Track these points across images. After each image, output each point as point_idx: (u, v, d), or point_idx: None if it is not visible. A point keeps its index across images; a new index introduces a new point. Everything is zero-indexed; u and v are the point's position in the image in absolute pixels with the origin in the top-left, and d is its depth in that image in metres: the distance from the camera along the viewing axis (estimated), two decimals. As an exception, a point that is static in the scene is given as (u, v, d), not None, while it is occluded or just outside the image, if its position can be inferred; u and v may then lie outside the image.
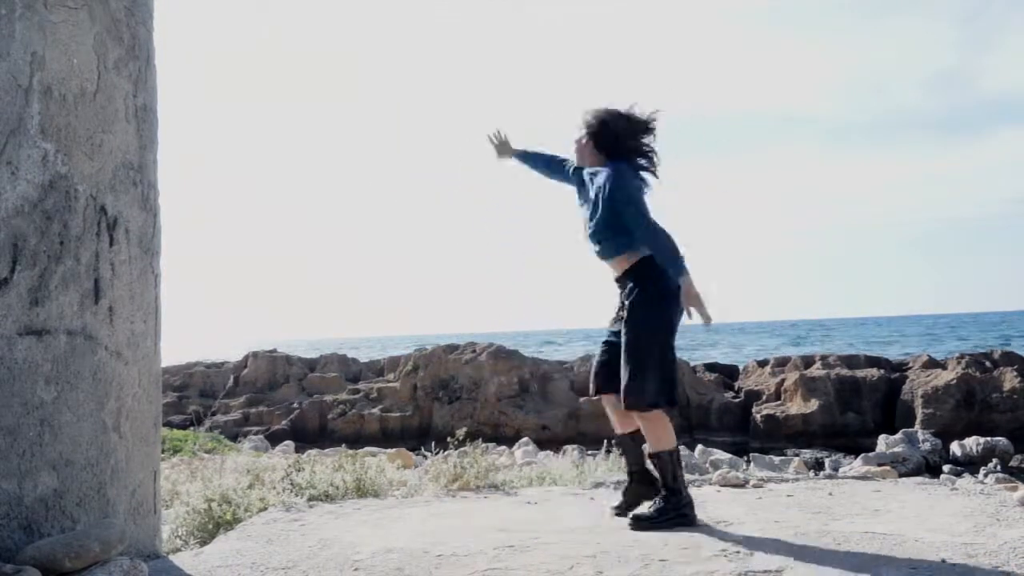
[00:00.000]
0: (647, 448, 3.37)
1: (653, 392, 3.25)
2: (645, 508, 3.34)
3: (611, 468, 5.19)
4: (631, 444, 3.50)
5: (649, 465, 3.45)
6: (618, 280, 3.42)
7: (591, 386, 3.56)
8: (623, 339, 3.31)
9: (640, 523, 3.23)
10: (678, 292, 3.19)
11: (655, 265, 3.27)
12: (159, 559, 2.89)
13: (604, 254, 3.42)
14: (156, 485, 3.03)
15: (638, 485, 3.49)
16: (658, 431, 3.30)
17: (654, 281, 3.29)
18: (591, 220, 3.40)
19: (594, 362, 3.56)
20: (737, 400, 19.16)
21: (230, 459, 6.70)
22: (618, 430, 3.55)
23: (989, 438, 14.56)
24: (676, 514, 3.24)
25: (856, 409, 17.47)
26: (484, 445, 5.05)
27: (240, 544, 3.11)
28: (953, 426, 15.82)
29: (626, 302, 3.33)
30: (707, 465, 10.97)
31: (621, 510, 3.43)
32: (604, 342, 3.50)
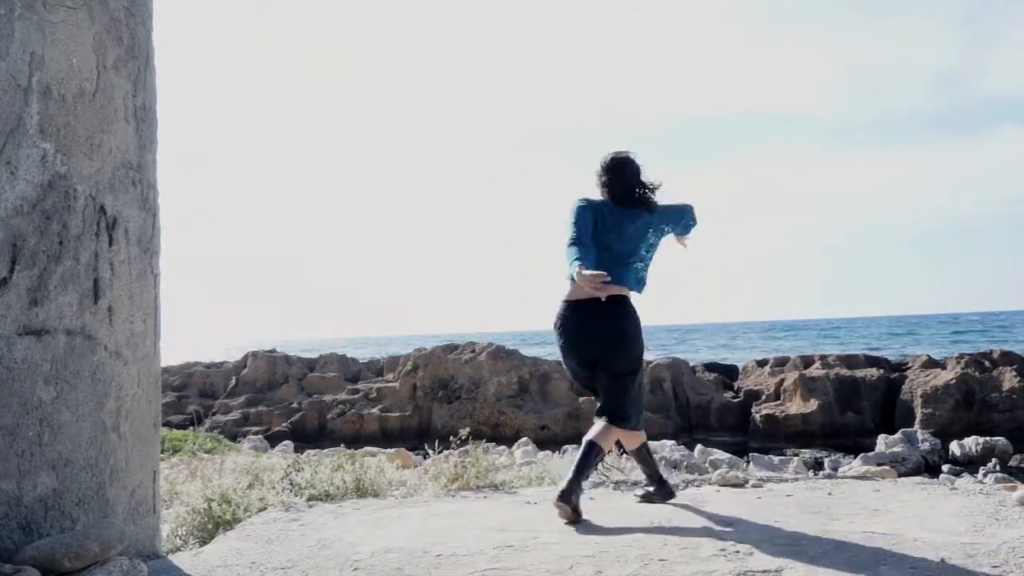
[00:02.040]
0: None
1: None
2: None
3: (611, 468, 5.19)
4: None
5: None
6: None
7: None
8: None
9: None
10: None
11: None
12: (158, 559, 2.88)
13: None
14: (155, 485, 3.03)
15: None
16: None
17: None
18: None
19: None
20: (736, 400, 19.17)
21: (229, 459, 6.70)
22: None
23: (988, 438, 14.57)
24: None
25: (855, 409, 17.48)
26: (484, 445, 5.05)
27: (239, 544, 3.11)
28: (952, 426, 15.83)
29: None
30: (706, 465, 10.97)
31: None
32: None
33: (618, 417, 3.59)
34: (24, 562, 2.16)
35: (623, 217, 3.62)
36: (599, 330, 3.55)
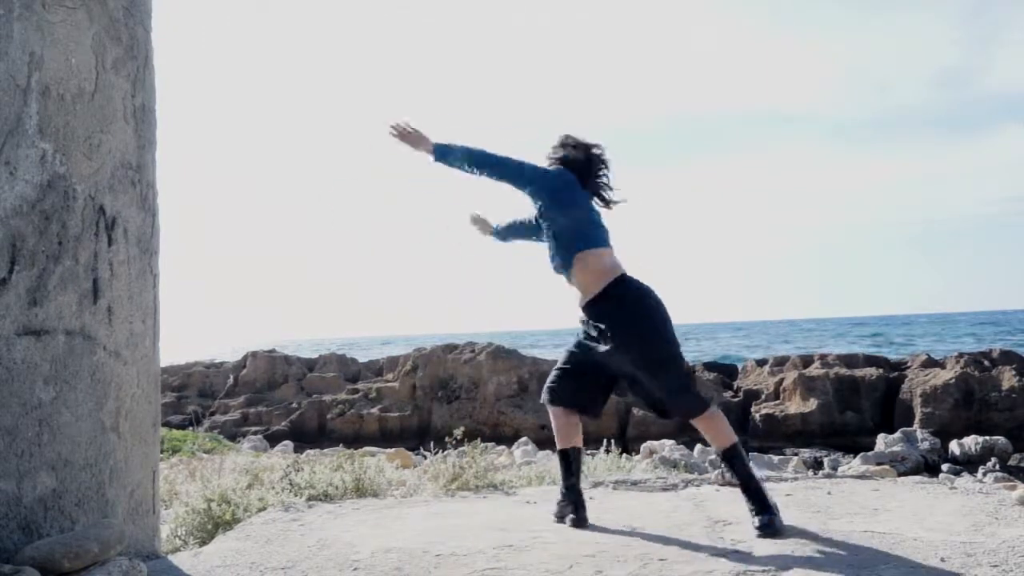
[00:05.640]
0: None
1: None
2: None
3: (610, 467, 5.19)
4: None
5: None
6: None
7: None
8: None
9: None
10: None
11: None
12: (158, 559, 2.88)
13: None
14: (155, 485, 3.03)
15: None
16: None
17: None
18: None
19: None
20: (736, 399, 19.16)
21: (229, 459, 6.70)
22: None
23: (988, 437, 14.55)
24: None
25: (855, 408, 17.47)
26: (483, 445, 5.05)
27: (239, 544, 3.11)
28: (952, 425, 15.82)
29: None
30: (706, 464, 10.97)
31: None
32: None
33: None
34: (24, 562, 2.16)
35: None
36: None
